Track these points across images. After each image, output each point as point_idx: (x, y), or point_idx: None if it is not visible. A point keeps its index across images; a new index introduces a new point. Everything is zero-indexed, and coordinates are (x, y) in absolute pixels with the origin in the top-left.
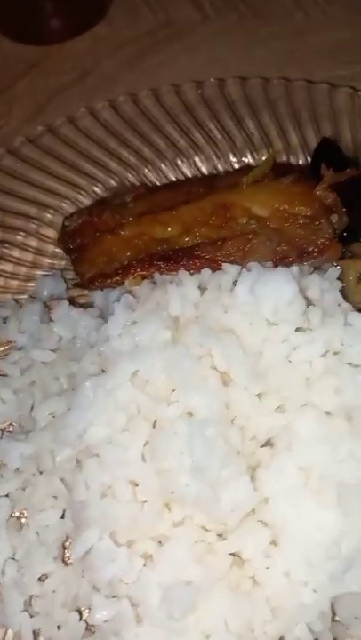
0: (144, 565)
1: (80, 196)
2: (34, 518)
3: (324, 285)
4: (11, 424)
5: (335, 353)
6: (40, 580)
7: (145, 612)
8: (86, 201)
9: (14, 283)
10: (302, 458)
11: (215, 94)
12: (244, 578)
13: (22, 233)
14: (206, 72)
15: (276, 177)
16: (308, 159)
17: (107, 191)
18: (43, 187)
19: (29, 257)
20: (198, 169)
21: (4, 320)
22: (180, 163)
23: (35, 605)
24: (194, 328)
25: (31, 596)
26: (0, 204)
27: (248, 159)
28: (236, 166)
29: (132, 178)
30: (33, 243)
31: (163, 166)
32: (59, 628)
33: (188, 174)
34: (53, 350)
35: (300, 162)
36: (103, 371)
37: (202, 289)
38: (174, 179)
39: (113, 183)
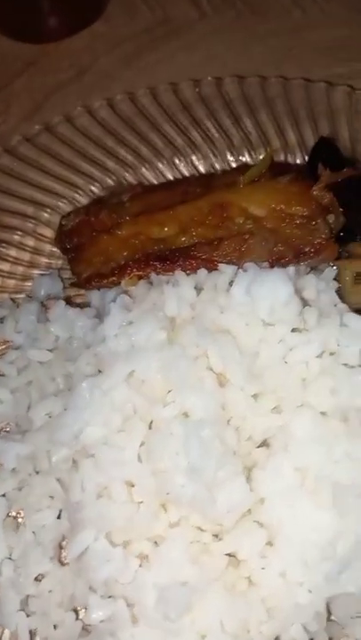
0: (140, 566)
1: (77, 195)
2: (30, 518)
3: (320, 286)
4: (7, 424)
5: (331, 354)
6: (36, 579)
7: (141, 613)
8: (84, 200)
9: (11, 282)
10: (298, 458)
11: (213, 93)
12: (240, 578)
13: (19, 232)
14: (204, 69)
15: (274, 176)
16: (306, 158)
17: (104, 190)
18: (40, 186)
19: (26, 256)
20: (196, 168)
21: (1, 320)
22: (177, 161)
23: (31, 605)
24: (190, 328)
25: (27, 596)
26: None
27: (246, 158)
28: (234, 165)
29: (129, 177)
30: (30, 242)
31: (160, 165)
32: (55, 627)
33: (186, 173)
34: (50, 350)
35: (298, 160)
36: (99, 371)
37: (198, 289)
38: (172, 177)
39: (110, 182)
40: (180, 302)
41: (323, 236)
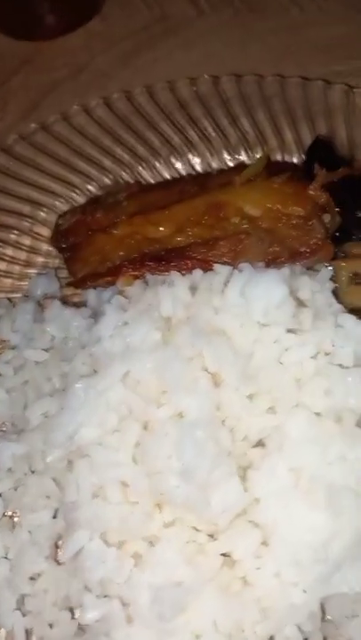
0: (135, 566)
1: (74, 194)
2: (26, 518)
3: (315, 287)
4: (3, 423)
5: (326, 354)
6: (32, 579)
7: (135, 613)
8: (80, 199)
9: (8, 281)
10: (293, 459)
11: (210, 91)
12: (235, 578)
13: (16, 231)
14: (202, 67)
15: (270, 175)
16: (303, 157)
17: (101, 189)
18: (36, 185)
19: (23, 255)
20: (192, 167)
21: None
22: (174, 160)
23: (27, 604)
24: (185, 329)
25: (23, 595)
26: None
27: (242, 157)
28: (231, 164)
29: (126, 176)
30: (26, 241)
31: (157, 164)
32: (51, 626)
33: (183, 172)
34: (46, 350)
35: (295, 160)
36: (95, 371)
37: (193, 290)
38: (168, 176)
39: (107, 181)
40: (175, 303)
41: (319, 236)
